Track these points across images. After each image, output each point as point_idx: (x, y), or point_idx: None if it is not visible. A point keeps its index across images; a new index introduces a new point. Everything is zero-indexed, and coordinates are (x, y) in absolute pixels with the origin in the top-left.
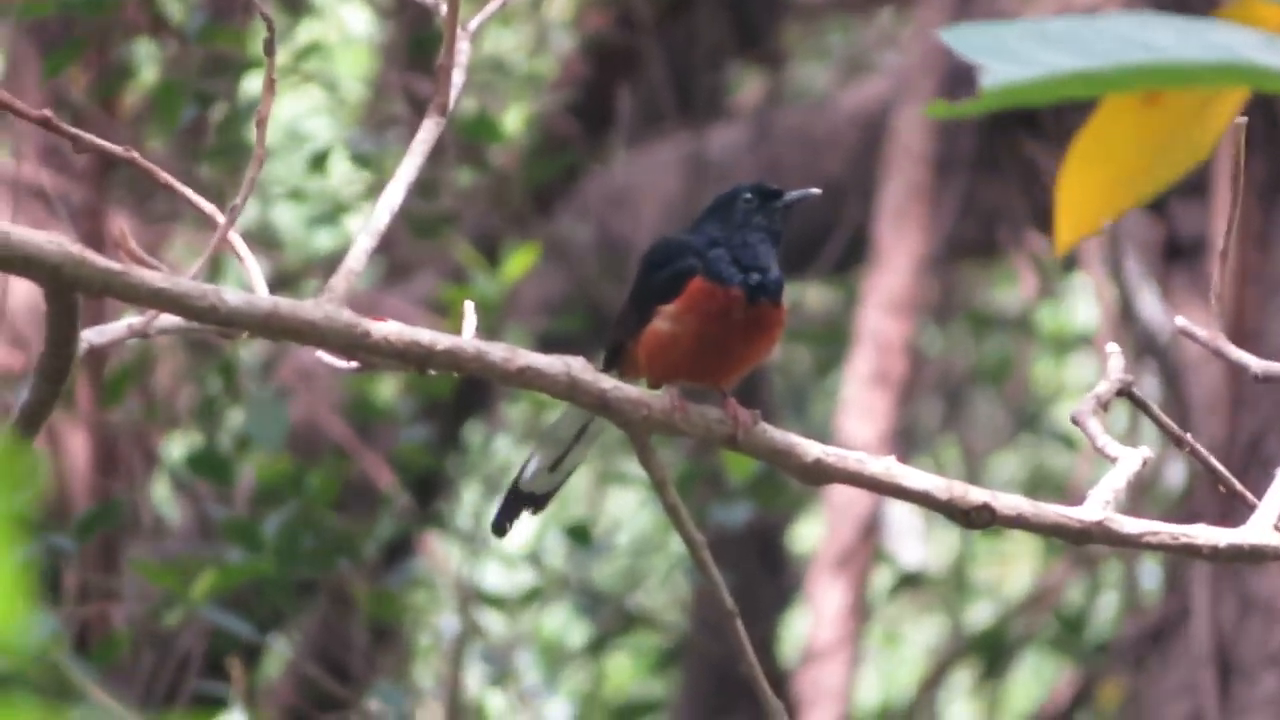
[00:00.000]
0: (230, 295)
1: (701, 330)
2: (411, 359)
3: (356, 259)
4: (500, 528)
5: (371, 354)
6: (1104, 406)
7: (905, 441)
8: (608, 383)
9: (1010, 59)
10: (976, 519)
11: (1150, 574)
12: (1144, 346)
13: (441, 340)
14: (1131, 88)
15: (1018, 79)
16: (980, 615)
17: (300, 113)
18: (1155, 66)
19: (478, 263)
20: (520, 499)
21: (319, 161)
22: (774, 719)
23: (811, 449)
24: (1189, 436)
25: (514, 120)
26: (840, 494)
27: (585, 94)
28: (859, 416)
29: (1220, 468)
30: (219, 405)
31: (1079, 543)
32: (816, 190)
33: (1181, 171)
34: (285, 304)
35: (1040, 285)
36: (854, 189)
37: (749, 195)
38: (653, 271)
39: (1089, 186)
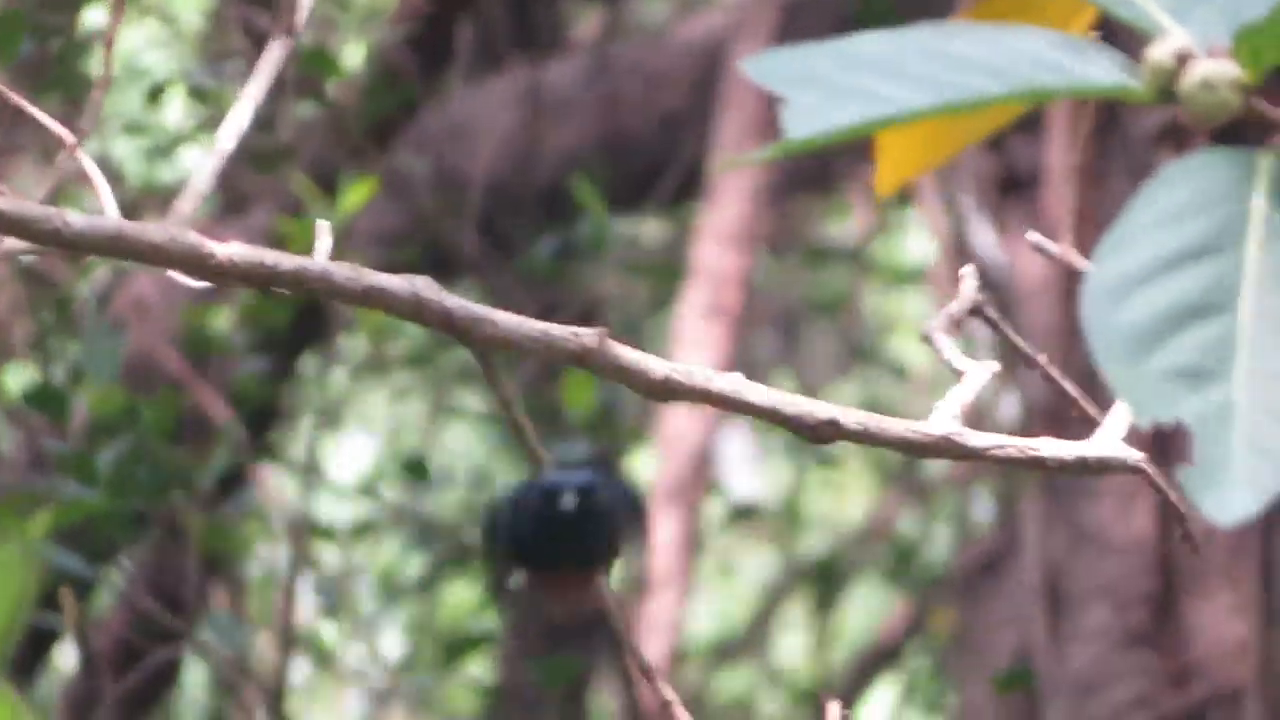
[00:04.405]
0: (74, 218)
1: None
2: (256, 280)
3: (202, 181)
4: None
5: (217, 276)
6: (956, 325)
7: (741, 374)
8: (453, 301)
9: (819, 88)
10: (823, 434)
11: (983, 506)
12: (979, 280)
13: (286, 261)
14: (945, 115)
15: (822, 128)
16: (814, 547)
17: (138, 46)
18: (963, 99)
19: (315, 195)
20: None
21: (156, 95)
22: (618, 633)
23: (660, 367)
24: (1041, 357)
25: (353, 54)
26: (674, 426)
27: (424, 28)
28: (694, 349)
29: (1070, 387)
30: (53, 338)
31: (926, 456)
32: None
33: (1009, 116)
34: (130, 226)
35: (875, 219)
36: (691, 123)
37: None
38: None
39: (914, 127)
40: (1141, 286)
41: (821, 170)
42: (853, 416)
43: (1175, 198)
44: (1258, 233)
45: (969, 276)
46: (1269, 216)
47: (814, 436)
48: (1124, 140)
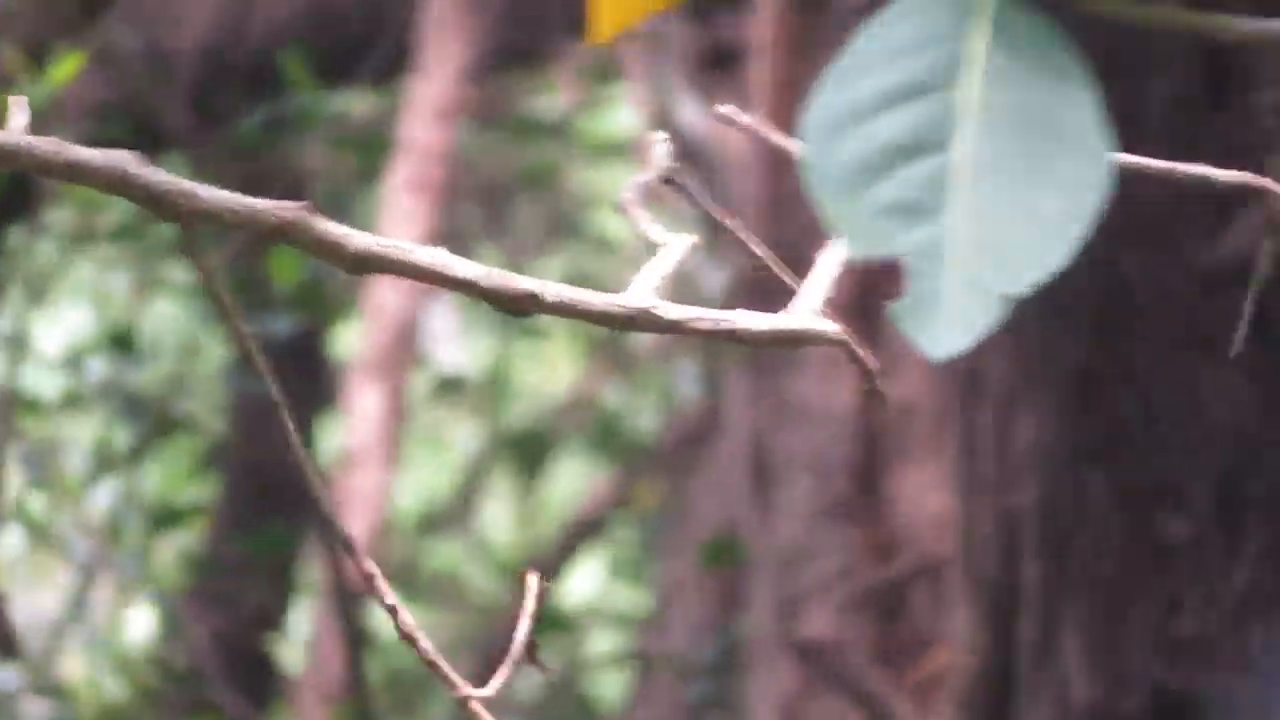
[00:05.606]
0: None
1: None
2: None
3: None
4: None
5: None
6: (649, 195)
7: (447, 247)
8: (156, 175)
9: None
10: (522, 307)
11: (689, 378)
12: (684, 154)
13: None
14: None
15: None
16: (520, 419)
17: None
18: None
19: (25, 69)
20: None
21: None
22: (320, 506)
23: (360, 240)
24: (736, 224)
25: None
26: (379, 297)
27: None
28: (400, 222)
29: (761, 250)
30: None
31: (625, 329)
32: None
33: None
34: None
35: (582, 93)
36: None
37: None
38: None
39: None
40: (859, 123)
41: (529, 45)
42: (552, 290)
43: (897, 34)
44: (973, 73)
45: (660, 145)
46: (985, 57)
47: (513, 310)
48: (831, 14)
